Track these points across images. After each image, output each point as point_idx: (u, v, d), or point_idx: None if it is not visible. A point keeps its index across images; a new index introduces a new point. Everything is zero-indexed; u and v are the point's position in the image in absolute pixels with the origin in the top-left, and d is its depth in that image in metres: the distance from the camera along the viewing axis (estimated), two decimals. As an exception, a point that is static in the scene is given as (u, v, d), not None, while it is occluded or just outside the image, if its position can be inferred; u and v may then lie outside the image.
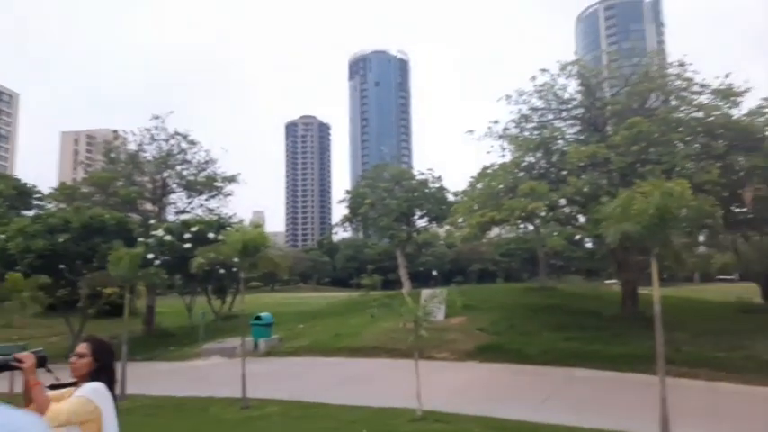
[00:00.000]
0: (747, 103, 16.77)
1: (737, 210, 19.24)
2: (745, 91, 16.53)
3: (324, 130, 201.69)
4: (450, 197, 27.98)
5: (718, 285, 47.11)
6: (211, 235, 21.32)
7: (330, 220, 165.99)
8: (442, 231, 32.78)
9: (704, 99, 17.13)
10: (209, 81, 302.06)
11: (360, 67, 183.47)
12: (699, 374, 12.71)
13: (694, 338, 14.94)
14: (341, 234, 70.39)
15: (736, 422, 9.29)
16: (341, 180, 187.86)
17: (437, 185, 29.25)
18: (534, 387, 11.93)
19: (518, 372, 13.41)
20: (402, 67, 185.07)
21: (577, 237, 37.65)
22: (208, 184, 26.15)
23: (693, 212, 9.00)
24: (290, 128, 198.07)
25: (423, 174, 31.22)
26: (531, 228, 27.55)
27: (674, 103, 17.17)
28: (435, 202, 28.04)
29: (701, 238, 31.91)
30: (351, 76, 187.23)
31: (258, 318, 18.43)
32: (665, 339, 15.02)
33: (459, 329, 17.43)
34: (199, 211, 27.25)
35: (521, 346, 15.06)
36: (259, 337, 18.06)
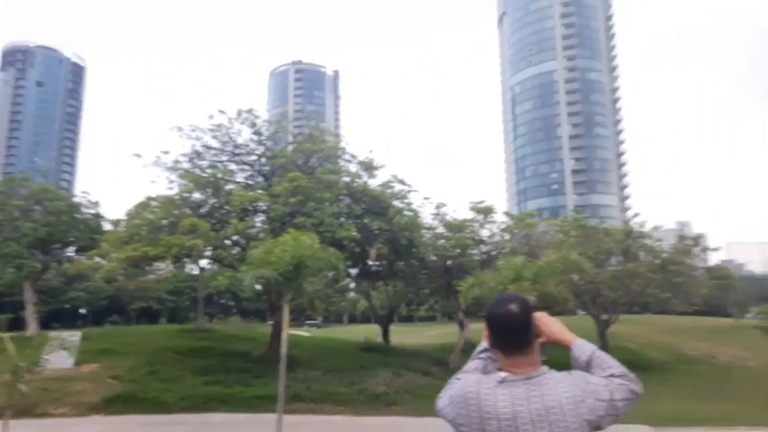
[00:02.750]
0: (382, 177, 20.57)
1: (371, 263, 22.95)
2: (382, 166, 20.23)
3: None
4: (108, 226, 24.95)
5: (359, 326, 54.42)
6: None
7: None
8: (93, 264, 28.67)
9: (352, 167, 20.20)
10: None
11: (18, 59, 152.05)
12: (323, 409, 14.11)
13: (324, 376, 16.69)
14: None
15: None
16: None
17: (92, 211, 25.72)
18: (162, 439, 11.17)
19: (148, 423, 12.37)
20: (76, 71, 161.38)
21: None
22: None
23: (323, 263, 10.19)
24: None
25: (77, 196, 27.12)
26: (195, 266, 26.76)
27: (329, 166, 19.62)
28: (87, 230, 24.46)
29: (352, 285, 36.88)
30: (3, 67, 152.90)
31: None
32: (301, 378, 16.41)
33: (88, 378, 15.21)
34: None
35: (158, 394, 14.06)
36: None
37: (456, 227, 22.38)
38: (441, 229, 23.30)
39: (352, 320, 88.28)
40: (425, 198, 22.62)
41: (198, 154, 20.19)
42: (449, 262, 22.55)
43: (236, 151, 20.82)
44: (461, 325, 23.05)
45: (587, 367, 1.81)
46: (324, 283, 16.58)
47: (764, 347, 25.38)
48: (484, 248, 23.95)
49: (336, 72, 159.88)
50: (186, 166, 20.13)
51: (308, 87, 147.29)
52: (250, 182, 21.15)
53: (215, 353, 19.21)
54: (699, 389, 20.41)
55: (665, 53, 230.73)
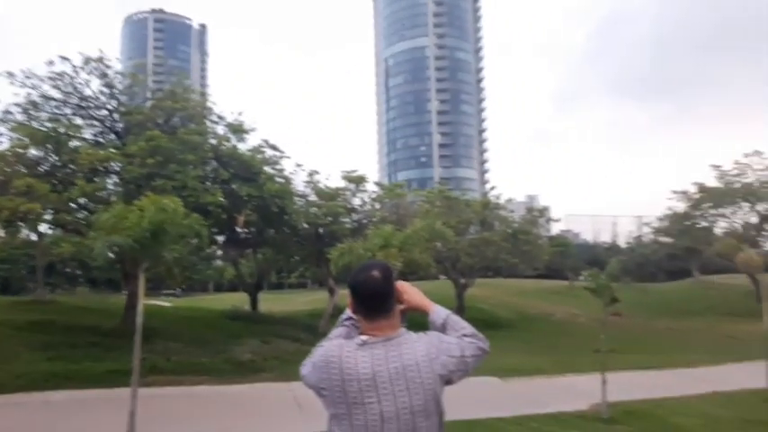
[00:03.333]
0: (252, 141, 19.78)
1: (239, 230, 22.16)
2: (252, 130, 19.40)
3: None
4: None
5: (226, 295, 52.73)
6: None
7: None
8: None
9: (220, 129, 19.12)
10: None
11: None
12: (184, 381, 13.52)
13: (186, 347, 15.97)
14: None
15: (196, 421, 10.26)
16: None
17: None
18: (-9, 424, 9.91)
19: (-25, 407, 10.89)
20: None
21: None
22: None
23: (185, 229, 9.59)
24: None
25: None
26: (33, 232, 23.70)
27: (194, 126, 18.34)
28: None
29: (219, 253, 35.40)
30: None
31: None
32: (160, 349, 15.54)
33: None
34: None
35: (-12, 374, 12.40)
36: None
37: (328, 195, 22.40)
38: (313, 197, 23.16)
39: (219, 289, 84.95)
40: (298, 165, 22.25)
41: (35, 105, 17.65)
42: (320, 230, 22.58)
43: (83, 104, 18.53)
44: (331, 291, 23.39)
45: (443, 329, 1.94)
46: (187, 250, 15.73)
47: (592, 306, 29.39)
48: (355, 217, 24.34)
49: (204, 26, 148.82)
50: (20, 117, 17.56)
51: (170, 40, 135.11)
52: (100, 139, 19.07)
53: (59, 327, 17.35)
54: (538, 343, 23.13)
55: (521, 38, 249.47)
